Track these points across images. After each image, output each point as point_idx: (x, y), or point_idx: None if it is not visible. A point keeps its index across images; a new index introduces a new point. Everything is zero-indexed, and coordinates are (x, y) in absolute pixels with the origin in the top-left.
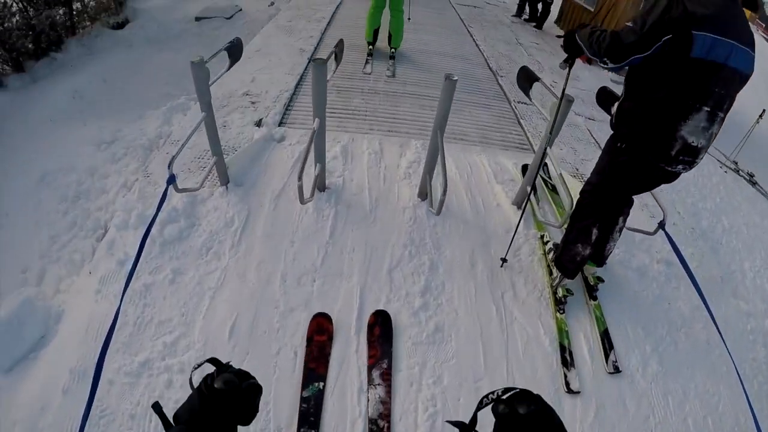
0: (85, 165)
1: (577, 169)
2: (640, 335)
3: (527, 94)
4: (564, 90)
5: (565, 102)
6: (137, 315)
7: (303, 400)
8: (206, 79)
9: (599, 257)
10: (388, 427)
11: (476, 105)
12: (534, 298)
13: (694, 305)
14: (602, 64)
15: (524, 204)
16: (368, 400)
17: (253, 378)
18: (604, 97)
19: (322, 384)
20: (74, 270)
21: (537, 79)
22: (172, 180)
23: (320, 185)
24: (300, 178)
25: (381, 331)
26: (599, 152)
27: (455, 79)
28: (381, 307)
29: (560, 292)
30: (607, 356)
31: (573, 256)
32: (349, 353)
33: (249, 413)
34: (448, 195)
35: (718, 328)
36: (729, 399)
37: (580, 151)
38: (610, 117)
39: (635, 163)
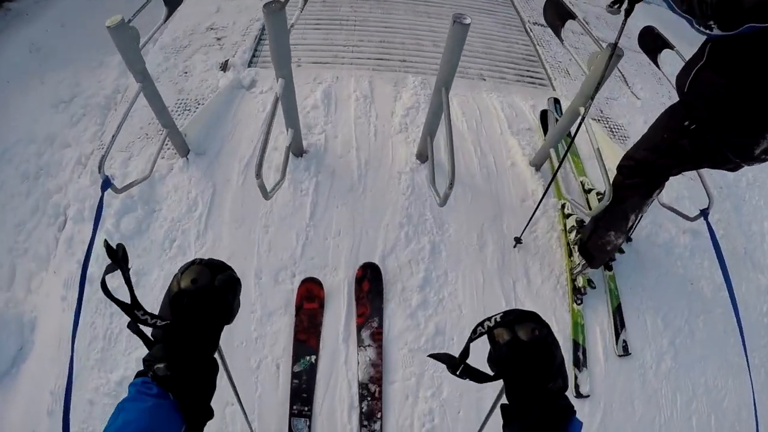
0: (44, 132)
1: (602, 111)
2: (658, 328)
3: (557, 34)
4: (616, 42)
5: (615, 57)
6: (105, 327)
7: (294, 375)
8: (134, 43)
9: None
10: (380, 391)
11: (482, 27)
12: (549, 287)
13: (716, 285)
14: (701, 27)
15: (547, 186)
16: (358, 364)
17: (229, 268)
18: (650, 42)
19: (314, 357)
20: (42, 265)
21: (572, 15)
22: (106, 185)
23: (296, 150)
24: (258, 173)
25: (370, 285)
26: (626, 90)
27: (467, 22)
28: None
29: (580, 281)
30: (617, 336)
31: (603, 244)
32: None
33: (229, 312)
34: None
35: (739, 322)
36: (735, 393)
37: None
38: (677, 82)
39: (703, 151)
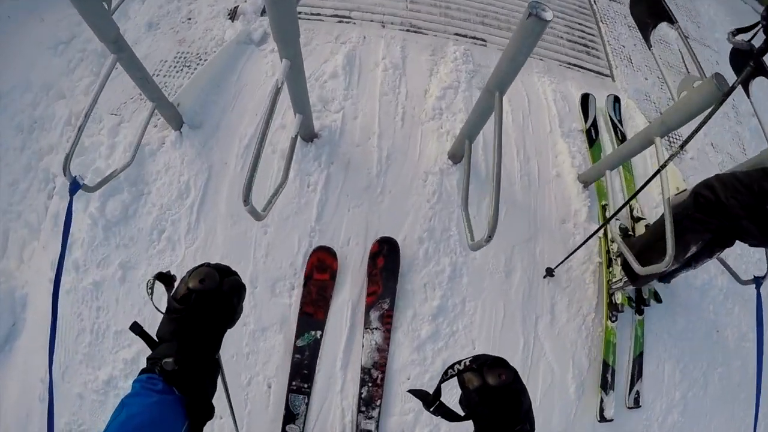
0: (41, 79)
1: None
2: (675, 379)
3: (646, 36)
4: (734, 88)
5: (719, 93)
6: (92, 321)
7: (296, 350)
8: (100, 5)
9: (669, 274)
10: (382, 378)
11: None
12: (573, 328)
13: (741, 333)
14: None
15: (592, 234)
16: (362, 347)
17: (236, 274)
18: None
19: (319, 333)
20: (33, 234)
21: (671, 19)
22: (75, 187)
23: (306, 134)
24: (247, 199)
25: (385, 262)
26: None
27: (548, 17)
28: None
29: (619, 298)
30: (632, 387)
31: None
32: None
33: (233, 315)
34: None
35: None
36: None
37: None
38: None
39: None
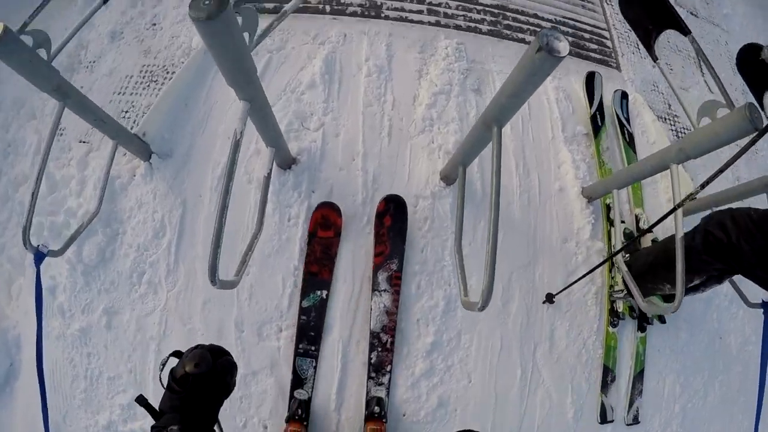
0: (11, 95)
1: (670, 107)
2: (675, 393)
3: (649, 46)
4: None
5: (751, 128)
6: (84, 367)
7: (302, 311)
8: (37, 57)
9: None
10: (392, 342)
11: None
12: (573, 353)
13: (745, 337)
14: None
15: (595, 267)
16: (370, 310)
17: (228, 353)
18: (756, 71)
19: (325, 292)
20: (18, 269)
21: (684, 30)
22: (39, 258)
23: (282, 162)
24: (213, 279)
25: (392, 221)
26: (699, 78)
27: (562, 53)
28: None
29: (620, 306)
30: (631, 404)
31: (652, 288)
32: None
33: (227, 390)
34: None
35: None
36: None
37: (676, 70)
38: None
39: None
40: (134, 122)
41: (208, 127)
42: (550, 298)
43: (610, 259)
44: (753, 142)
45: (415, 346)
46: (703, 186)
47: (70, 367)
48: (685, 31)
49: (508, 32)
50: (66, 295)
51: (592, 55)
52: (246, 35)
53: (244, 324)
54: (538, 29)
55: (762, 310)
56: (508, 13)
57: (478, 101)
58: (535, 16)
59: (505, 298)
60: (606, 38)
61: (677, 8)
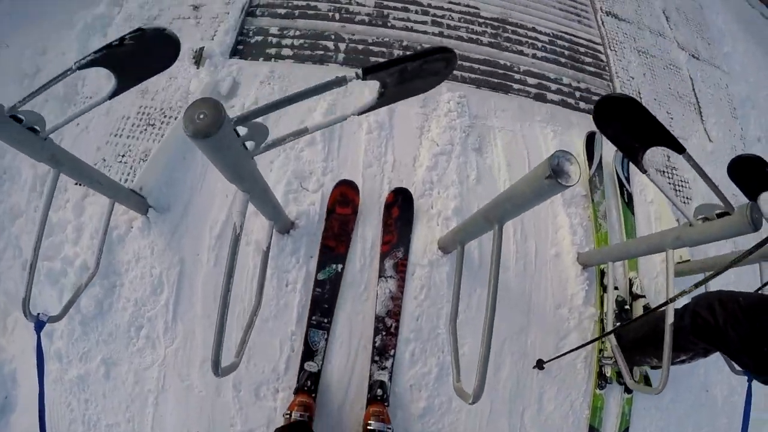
0: None
1: (669, 158)
2: None
3: (636, 162)
4: None
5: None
6: (82, 412)
7: (317, 283)
8: (31, 137)
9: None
10: (396, 326)
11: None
12: (560, 414)
13: (732, 387)
14: None
15: (585, 343)
16: (377, 296)
17: None
18: (749, 176)
19: (340, 266)
20: (13, 302)
21: (679, 148)
22: (39, 326)
23: (282, 228)
24: (216, 371)
25: (400, 212)
26: (699, 126)
27: (570, 182)
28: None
29: (608, 372)
30: None
31: (638, 361)
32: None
33: None
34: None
35: None
36: None
37: (677, 118)
38: None
39: None
40: (131, 168)
41: (206, 183)
42: (540, 365)
43: (601, 338)
44: (759, 247)
45: (408, 411)
46: (696, 286)
47: (67, 411)
48: (679, 149)
49: (508, 44)
50: (63, 341)
51: (587, 68)
52: (251, 143)
53: (241, 384)
54: (536, 42)
55: (746, 377)
56: (508, 26)
57: (478, 162)
58: (533, 29)
59: (497, 363)
60: (608, 82)
61: (679, 52)
